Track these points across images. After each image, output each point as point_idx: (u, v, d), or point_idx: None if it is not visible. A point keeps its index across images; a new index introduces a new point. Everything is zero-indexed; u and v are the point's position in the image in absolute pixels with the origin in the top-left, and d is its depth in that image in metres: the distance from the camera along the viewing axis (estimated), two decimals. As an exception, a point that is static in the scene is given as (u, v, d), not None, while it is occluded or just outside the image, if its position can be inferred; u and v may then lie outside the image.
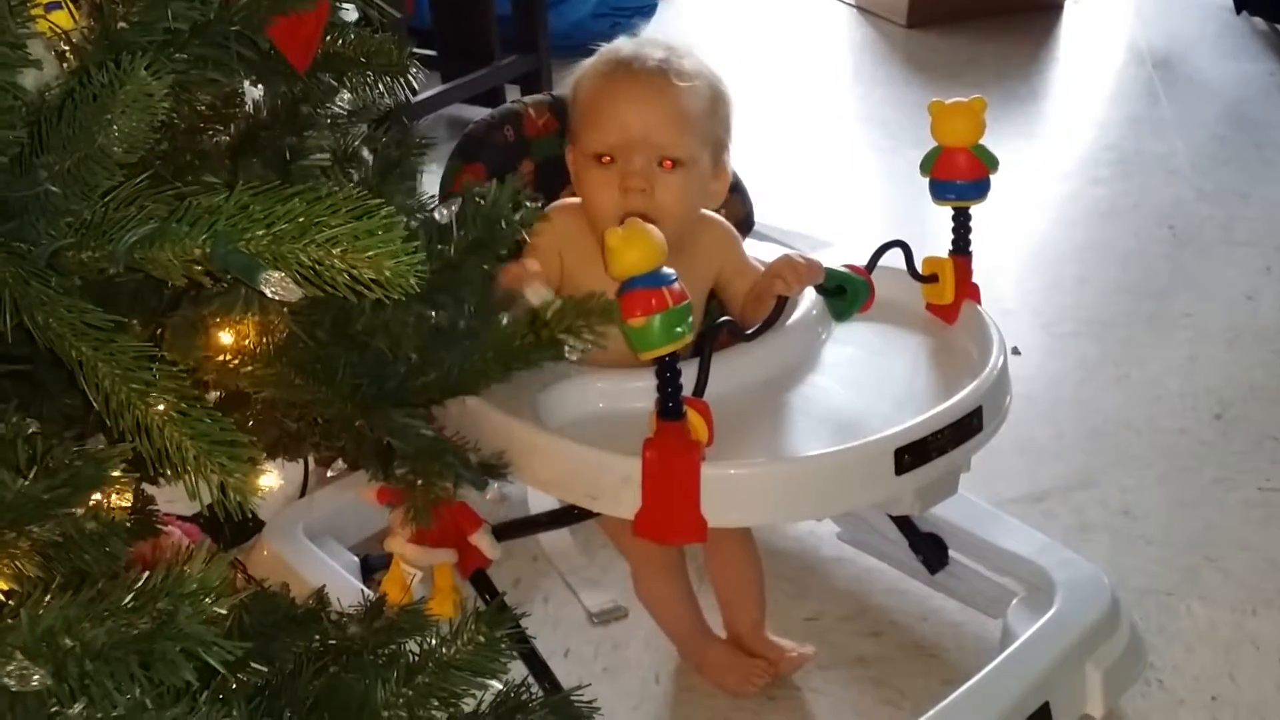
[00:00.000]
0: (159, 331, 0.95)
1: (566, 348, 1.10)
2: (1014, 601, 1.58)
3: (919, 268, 1.48)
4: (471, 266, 1.09)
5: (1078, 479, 2.02)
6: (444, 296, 1.08)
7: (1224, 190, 3.09)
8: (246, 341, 0.98)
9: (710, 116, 1.40)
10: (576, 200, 1.44)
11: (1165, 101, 3.67)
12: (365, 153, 1.11)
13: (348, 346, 1.04)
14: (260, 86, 1.03)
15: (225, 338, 0.97)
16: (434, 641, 1.01)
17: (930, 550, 1.70)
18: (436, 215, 1.08)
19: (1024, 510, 1.90)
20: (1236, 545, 1.86)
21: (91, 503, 0.82)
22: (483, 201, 1.09)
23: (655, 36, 1.45)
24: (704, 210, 1.46)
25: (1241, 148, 3.34)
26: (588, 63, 1.42)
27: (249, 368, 0.99)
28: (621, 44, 1.41)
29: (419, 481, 1.11)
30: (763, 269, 1.42)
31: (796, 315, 1.43)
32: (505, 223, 1.09)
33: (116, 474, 0.81)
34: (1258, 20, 4.22)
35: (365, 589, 1.53)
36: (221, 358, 0.97)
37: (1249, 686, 1.60)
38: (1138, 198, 3.07)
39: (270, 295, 0.74)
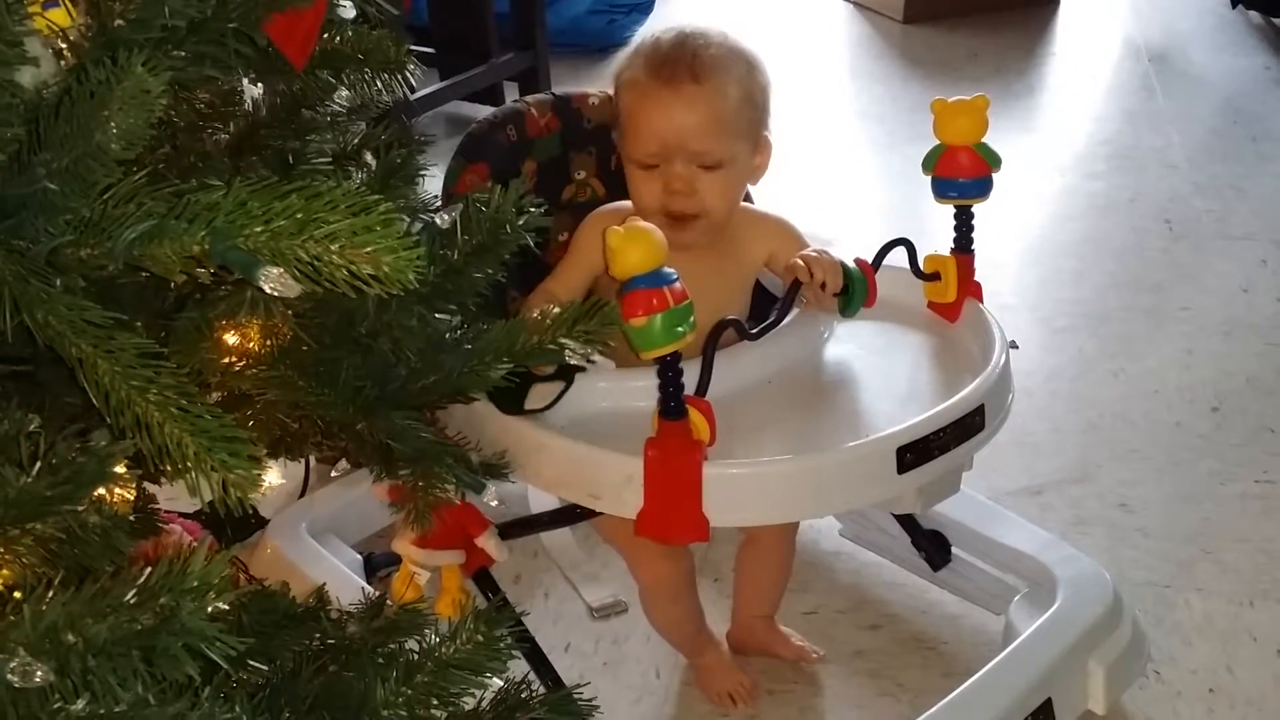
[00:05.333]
0: (163, 334, 0.95)
1: (567, 353, 1.10)
2: (1016, 598, 1.58)
3: (921, 265, 1.47)
4: (474, 271, 1.09)
5: (1075, 472, 2.02)
6: (446, 301, 1.08)
7: (1220, 184, 3.09)
8: (250, 344, 0.98)
9: (744, 107, 1.40)
10: (623, 204, 1.44)
11: (1161, 96, 3.67)
12: (368, 156, 1.11)
13: (350, 349, 1.04)
14: (259, 84, 1.03)
15: (229, 340, 0.97)
16: (434, 640, 1.01)
17: (932, 547, 1.70)
18: (439, 220, 1.08)
19: (1021, 504, 1.91)
20: (1234, 538, 1.87)
21: (94, 498, 0.82)
22: (485, 207, 1.08)
23: (688, 25, 1.44)
24: (750, 205, 1.46)
25: (1237, 142, 3.35)
26: (626, 56, 1.44)
27: (253, 370, 0.99)
28: (658, 40, 1.41)
29: (419, 485, 1.11)
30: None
31: (798, 314, 1.42)
32: (509, 228, 1.09)
33: (119, 470, 0.81)
34: (1254, 14, 4.22)
35: (367, 586, 1.53)
36: (226, 360, 0.97)
37: (1246, 678, 1.61)
38: (1134, 192, 3.07)
39: (270, 291, 0.74)
